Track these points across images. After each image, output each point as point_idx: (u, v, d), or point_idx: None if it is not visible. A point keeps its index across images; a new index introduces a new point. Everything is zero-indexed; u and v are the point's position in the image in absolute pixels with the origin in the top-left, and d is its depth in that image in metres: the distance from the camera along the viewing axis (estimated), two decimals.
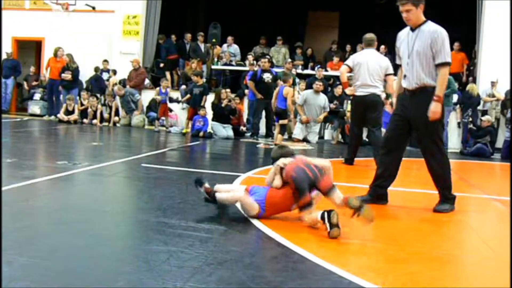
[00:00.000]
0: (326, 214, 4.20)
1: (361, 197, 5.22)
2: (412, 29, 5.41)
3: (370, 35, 9.68)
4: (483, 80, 14.95)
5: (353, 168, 9.01)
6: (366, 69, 9.03)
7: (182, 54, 17.74)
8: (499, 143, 14.01)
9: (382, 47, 16.29)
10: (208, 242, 3.84)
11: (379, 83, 9.18)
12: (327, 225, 4.15)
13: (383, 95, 10.18)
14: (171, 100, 15.35)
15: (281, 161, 4.76)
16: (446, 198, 5.45)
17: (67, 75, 15.90)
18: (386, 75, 9.26)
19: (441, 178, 5.46)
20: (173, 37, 18.19)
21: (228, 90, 14.38)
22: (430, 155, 5.46)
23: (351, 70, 9.22)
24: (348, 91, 9.42)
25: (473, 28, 15.72)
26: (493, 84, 14.53)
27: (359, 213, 4.23)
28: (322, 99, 13.44)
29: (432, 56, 5.25)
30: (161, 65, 17.39)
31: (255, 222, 4.47)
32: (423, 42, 5.27)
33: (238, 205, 4.80)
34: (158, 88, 15.34)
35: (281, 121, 10.98)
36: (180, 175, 6.90)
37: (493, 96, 14.48)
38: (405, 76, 5.52)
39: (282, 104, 10.80)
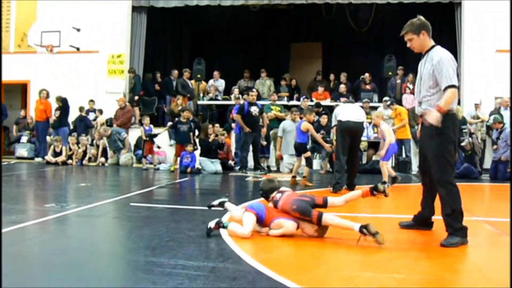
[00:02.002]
0: (364, 228, 4.89)
1: (405, 222, 6.02)
2: (423, 55, 5.48)
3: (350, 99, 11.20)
4: (466, 102, 15.12)
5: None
6: (350, 110, 10.03)
7: (168, 91, 17.80)
8: (487, 164, 14.13)
9: (367, 75, 16.48)
10: (197, 280, 3.83)
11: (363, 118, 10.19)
12: (370, 236, 4.84)
13: None
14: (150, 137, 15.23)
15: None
16: (455, 230, 5.14)
17: (56, 114, 16.05)
18: None
19: (449, 206, 5.19)
20: (158, 74, 18.30)
21: (217, 124, 14.44)
22: (437, 180, 5.31)
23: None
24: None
25: (454, 51, 15.95)
26: (476, 106, 14.69)
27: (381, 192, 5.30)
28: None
29: (434, 84, 5.25)
30: (136, 98, 17.37)
31: (244, 256, 4.47)
32: (428, 69, 5.31)
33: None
34: (142, 128, 15.41)
35: (304, 155, 11.04)
36: (168, 213, 6.90)
37: (478, 118, 14.62)
38: (419, 103, 5.55)
39: (301, 139, 10.78)
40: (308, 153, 10.85)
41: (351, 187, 9.80)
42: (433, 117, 5.10)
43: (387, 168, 10.66)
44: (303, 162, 10.95)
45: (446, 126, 5.19)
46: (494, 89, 15.24)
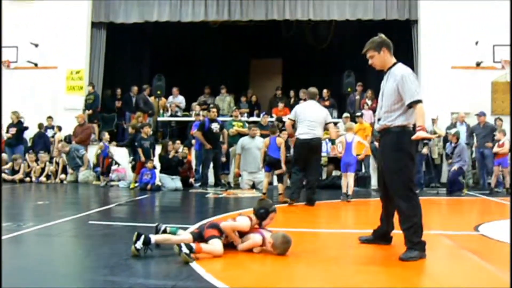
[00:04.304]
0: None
1: (364, 237, 5.99)
2: (385, 72, 5.56)
3: (313, 89, 10.46)
4: None
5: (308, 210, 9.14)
6: (309, 116, 9.96)
7: (128, 107, 17.70)
8: (444, 178, 14.43)
9: (325, 91, 16.62)
10: None
11: (320, 130, 10.09)
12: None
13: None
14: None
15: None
16: (413, 244, 5.18)
17: (12, 131, 15.74)
18: (326, 123, 10.22)
19: (408, 220, 5.22)
20: (119, 90, 18.18)
21: (178, 141, 14.37)
22: (397, 195, 5.33)
23: (294, 122, 10.14)
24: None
25: (411, 67, 16.21)
26: (433, 121, 14.94)
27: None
28: (259, 142, 13.44)
29: (396, 100, 5.32)
30: (89, 112, 17.16)
31: (204, 274, 4.44)
32: (390, 85, 5.39)
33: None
34: (102, 143, 15.21)
35: (277, 172, 11.00)
36: (127, 231, 6.79)
37: (435, 133, 14.84)
38: (379, 119, 5.61)
39: (277, 154, 10.74)
40: (281, 170, 10.85)
41: (310, 203, 9.86)
42: (422, 137, 5.17)
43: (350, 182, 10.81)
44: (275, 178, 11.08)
45: (405, 142, 5.27)
46: (450, 105, 15.59)
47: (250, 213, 5.65)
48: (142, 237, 5.15)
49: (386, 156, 5.49)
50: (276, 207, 5.80)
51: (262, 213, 5.59)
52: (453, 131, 13.98)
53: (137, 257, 5.04)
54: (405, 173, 5.29)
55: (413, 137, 5.21)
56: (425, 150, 13.46)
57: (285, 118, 15.42)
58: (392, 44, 5.55)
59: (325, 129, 10.71)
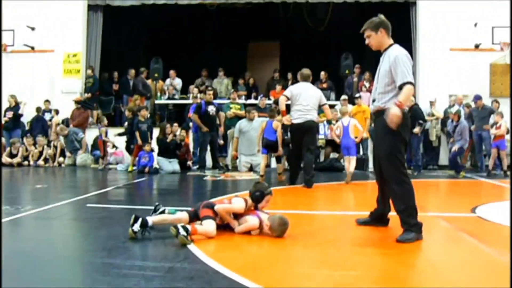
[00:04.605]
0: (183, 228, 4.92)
1: (361, 219, 6.03)
2: (382, 53, 5.54)
3: (306, 71, 10.35)
4: (421, 100, 15.34)
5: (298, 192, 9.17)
6: (303, 99, 9.92)
7: (125, 90, 17.63)
8: (442, 161, 14.45)
9: (322, 73, 16.58)
10: (153, 280, 3.80)
11: (314, 112, 10.07)
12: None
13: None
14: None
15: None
16: (410, 226, 5.20)
17: (9, 114, 15.68)
18: (321, 105, 10.23)
19: (403, 202, 5.25)
20: (116, 73, 18.10)
21: (176, 124, 14.35)
22: (390, 178, 5.34)
23: (288, 99, 10.02)
24: (285, 120, 10.10)
25: (409, 50, 16.16)
26: (431, 103, 14.93)
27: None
28: (258, 124, 13.39)
29: (389, 81, 5.31)
30: (87, 95, 17.07)
31: (201, 256, 4.45)
32: (384, 66, 5.39)
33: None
34: (104, 129, 15.16)
35: (274, 154, 11.16)
36: (125, 214, 6.79)
37: (433, 115, 14.85)
38: (373, 100, 5.60)
39: (273, 137, 10.82)
40: (279, 152, 10.96)
41: (308, 185, 9.87)
42: (394, 113, 5.06)
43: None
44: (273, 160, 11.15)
45: (398, 124, 5.24)
46: (449, 87, 15.56)
47: (246, 195, 5.66)
48: (140, 220, 5.17)
49: (379, 138, 5.48)
50: (272, 189, 5.81)
51: (258, 196, 5.59)
52: (453, 110, 13.99)
53: (134, 240, 5.06)
54: (397, 156, 5.29)
55: (386, 117, 5.15)
56: (416, 130, 13.33)
57: None
58: (391, 26, 5.52)
59: (321, 110, 10.74)
